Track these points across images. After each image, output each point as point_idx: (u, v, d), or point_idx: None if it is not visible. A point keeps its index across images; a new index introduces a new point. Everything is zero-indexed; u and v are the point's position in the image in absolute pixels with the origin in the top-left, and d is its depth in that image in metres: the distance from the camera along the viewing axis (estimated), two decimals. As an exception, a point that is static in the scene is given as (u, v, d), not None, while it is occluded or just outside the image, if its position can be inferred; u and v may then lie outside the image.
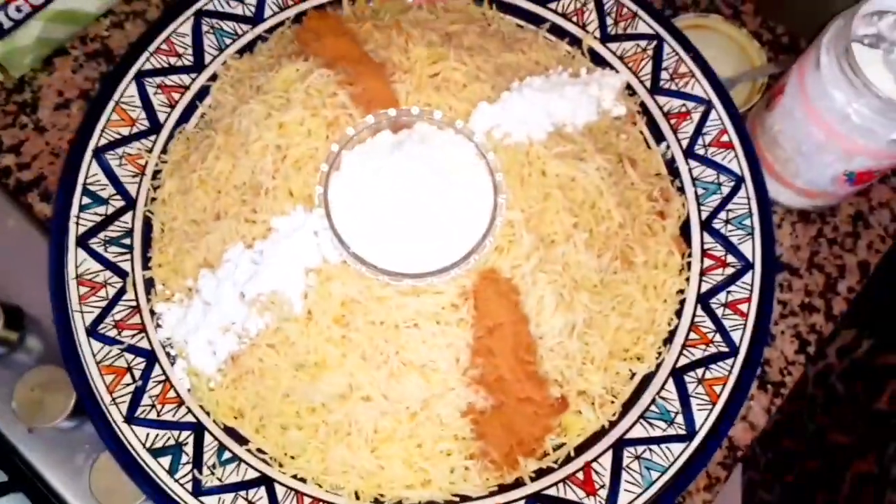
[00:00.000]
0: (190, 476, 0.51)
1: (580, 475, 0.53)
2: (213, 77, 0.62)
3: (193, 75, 0.61)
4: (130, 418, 0.52)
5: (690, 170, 0.60)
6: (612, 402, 0.55)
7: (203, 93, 0.61)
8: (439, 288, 0.50)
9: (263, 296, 0.50)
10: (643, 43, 0.63)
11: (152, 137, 0.60)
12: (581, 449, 0.54)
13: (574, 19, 0.64)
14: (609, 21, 0.64)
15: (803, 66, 0.59)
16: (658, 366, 0.56)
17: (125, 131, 0.59)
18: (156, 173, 0.59)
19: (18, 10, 0.65)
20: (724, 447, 0.63)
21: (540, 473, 0.53)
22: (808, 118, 0.58)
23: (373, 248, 0.49)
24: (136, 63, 0.60)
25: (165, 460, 0.51)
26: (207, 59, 0.62)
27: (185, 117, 0.61)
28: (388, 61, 0.55)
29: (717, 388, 0.54)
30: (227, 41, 0.62)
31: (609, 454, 0.53)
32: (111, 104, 0.59)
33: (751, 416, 0.64)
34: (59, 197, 0.56)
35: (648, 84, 0.63)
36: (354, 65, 0.54)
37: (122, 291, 0.55)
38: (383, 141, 0.51)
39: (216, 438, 0.53)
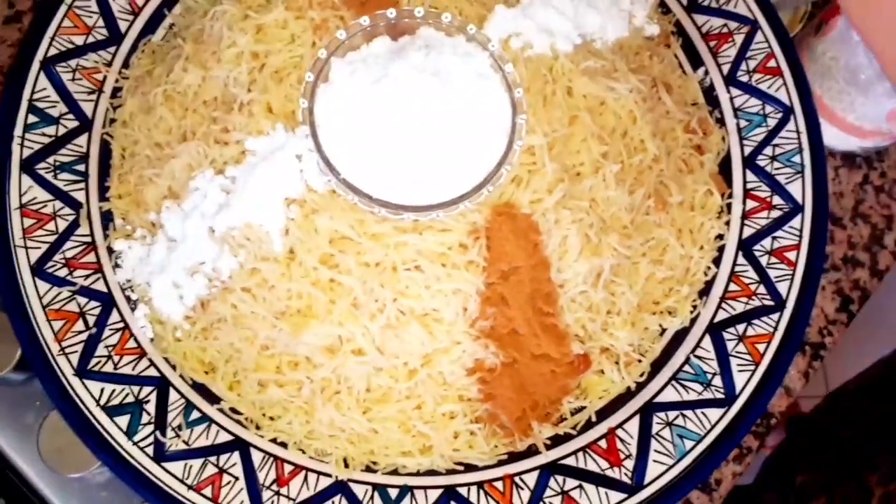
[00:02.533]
0: (151, 439, 0.44)
1: (603, 443, 0.46)
2: (185, -21, 0.53)
3: (160, -22, 0.53)
4: (82, 371, 0.45)
5: (732, 99, 0.53)
6: (640, 360, 0.48)
7: (172, -1, 0.53)
8: (446, 224, 0.42)
9: (236, 230, 0.43)
10: (680, -49, 0.55)
11: (112, 49, 0.51)
12: (604, 413, 0.47)
13: (602, -76, 0.56)
14: (642, -74, 0.55)
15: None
16: (693, 321, 0.49)
17: (79, 41, 0.51)
18: (116, 91, 0.51)
19: None
20: (756, 414, 0.57)
21: (556, 441, 0.46)
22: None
23: (367, 175, 0.42)
24: (93, -40, 0.51)
25: (123, 420, 0.44)
26: (177, -43, 0.53)
27: (150, 27, 0.53)
28: (389, -42, 0.47)
29: (761, 347, 0.47)
30: (202, -62, 0.54)
31: (636, 420, 0.46)
32: (63, 8, 0.51)
33: (787, 380, 0.57)
34: (1, 114, 0.48)
35: (685, 0, 0.54)
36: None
37: (74, 225, 0.48)
38: (380, 48, 0.43)
39: (183, 396, 0.45)
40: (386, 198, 0.41)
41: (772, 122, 0.52)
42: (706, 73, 0.54)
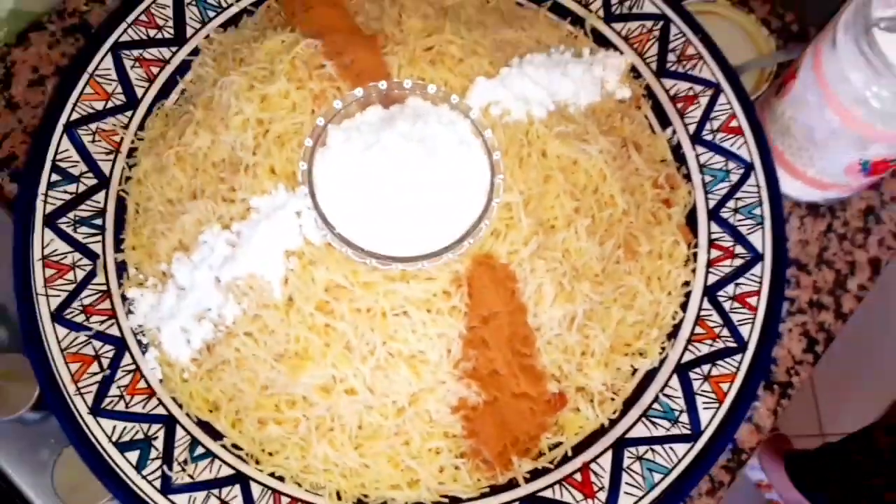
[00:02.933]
0: (159, 472, 0.47)
1: (578, 476, 0.49)
2: (196, 52, 0.58)
3: (174, 49, 0.58)
4: (96, 410, 0.48)
5: (697, 156, 0.57)
6: (613, 399, 0.52)
7: (184, 67, 0.58)
8: (431, 274, 0.46)
9: (240, 280, 0.47)
10: (649, 23, 0.60)
11: (128, 113, 0.56)
12: (579, 449, 0.50)
13: (577, -2, 0.61)
14: (613, 0, 0.60)
15: (818, 49, 0.55)
16: (661, 361, 0.52)
17: (99, 106, 0.56)
18: (132, 151, 0.56)
19: (-10, -22, 0.61)
20: (728, 450, 0.60)
21: (535, 474, 0.50)
22: (822, 103, 0.55)
23: (360, 230, 0.46)
24: (113, 34, 0.57)
25: (133, 455, 0.48)
26: (189, 32, 0.58)
27: (164, 93, 0.57)
28: (380, 33, 0.52)
29: (725, 386, 0.51)
30: (211, 14, 0.59)
31: (609, 454, 0.50)
32: (85, 76, 0.55)
33: (756, 417, 0.61)
34: (27, 173, 0.53)
35: (654, 66, 0.59)
36: (344, 36, 0.50)
37: (91, 275, 0.52)
38: (373, 116, 0.48)
39: (188, 432, 0.49)
40: (376, 250, 0.46)
41: (734, 178, 0.56)
42: (674, 132, 0.58)
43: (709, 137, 0.57)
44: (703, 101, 0.58)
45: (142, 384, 0.50)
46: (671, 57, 0.59)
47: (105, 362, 0.50)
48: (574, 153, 0.50)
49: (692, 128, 0.58)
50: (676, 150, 0.58)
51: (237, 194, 0.48)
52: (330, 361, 0.47)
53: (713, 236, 0.55)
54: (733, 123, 0.57)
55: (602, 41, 0.60)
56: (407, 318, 0.46)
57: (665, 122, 0.59)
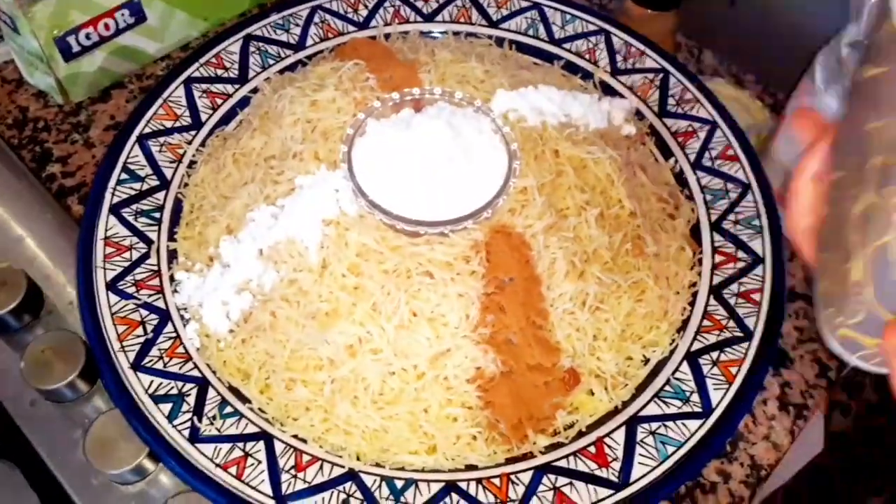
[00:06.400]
0: (189, 424, 0.50)
1: (592, 449, 0.50)
2: (256, 90, 0.67)
3: (237, 86, 0.67)
4: (137, 366, 0.52)
5: (698, 179, 0.63)
6: (626, 385, 0.53)
7: (245, 102, 0.67)
8: (453, 240, 0.51)
9: (280, 244, 0.52)
10: (650, 75, 0.68)
11: (193, 132, 0.64)
12: (593, 427, 0.52)
13: (587, 57, 0.70)
14: (619, 58, 0.69)
15: (800, 88, 0.63)
16: (672, 351, 0.55)
17: (168, 124, 0.64)
18: (192, 163, 0.63)
19: (88, 37, 0.72)
20: (746, 466, 0.60)
21: (549, 448, 0.51)
22: (808, 134, 0.62)
23: (391, 200, 0.51)
24: (187, 70, 0.66)
25: (166, 407, 0.50)
26: (251, 74, 0.68)
27: (226, 120, 0.66)
28: (416, 61, 0.60)
29: (733, 370, 0.53)
30: (271, 62, 0.69)
31: (622, 430, 0.51)
32: (159, 101, 0.64)
33: (773, 436, 0.61)
34: (100, 171, 0.60)
35: (656, 109, 0.67)
36: (385, 59, 0.59)
37: (145, 256, 0.57)
38: (407, 116, 0.55)
39: (219, 393, 0.52)
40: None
41: (733, 196, 0.61)
42: (676, 161, 0.64)
43: (708, 164, 0.63)
44: (702, 134, 0.65)
45: (180, 350, 0.53)
46: (671, 101, 0.67)
47: (149, 328, 0.54)
48: (583, 154, 0.57)
49: (692, 156, 0.64)
50: (679, 176, 0.64)
51: (284, 175, 0.54)
52: (358, 319, 0.50)
53: (716, 244, 0.59)
54: (730, 152, 0.63)
55: (610, 92, 0.69)
56: (430, 277, 0.50)
57: (668, 154, 0.65)
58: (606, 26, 0.70)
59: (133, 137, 0.62)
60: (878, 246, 0.25)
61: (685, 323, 0.56)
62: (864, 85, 0.28)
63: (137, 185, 0.60)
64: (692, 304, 0.57)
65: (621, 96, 0.68)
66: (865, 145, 0.27)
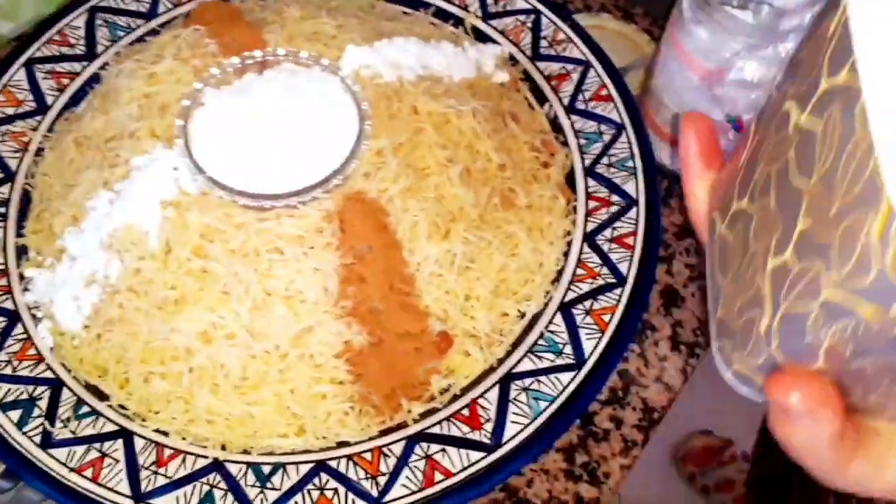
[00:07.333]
0: (40, 429, 0.47)
1: (465, 412, 0.49)
2: (105, 66, 0.63)
3: (84, 63, 0.63)
4: (-19, 374, 0.49)
5: (572, 124, 0.61)
6: (501, 342, 0.52)
7: (95, 80, 0.63)
8: (302, 212, 0.49)
9: (119, 231, 0.49)
10: (522, 17, 0.65)
11: (39, 117, 0.60)
12: (468, 389, 0.50)
13: (456, 2, 0.67)
14: (489, 1, 0.66)
15: (672, 21, 0.61)
16: (546, 304, 0.53)
17: (10, 111, 0.60)
18: (39, 150, 0.59)
19: (-74, 23, 0.67)
20: (639, 409, 0.59)
21: (424, 416, 0.49)
22: (682, 66, 0.60)
23: (233, 176, 0.49)
24: (28, 51, 0.62)
25: (15, 414, 0.48)
26: (100, 49, 0.64)
27: (74, 101, 0.62)
28: (262, 21, 0.57)
29: (606, 318, 0.52)
30: (121, 34, 0.64)
31: (496, 389, 0.50)
32: (-3, 86, 0.60)
33: (666, 377, 0.61)
34: (-66, 168, 0.56)
35: (529, 52, 0.64)
36: (227, 22, 0.55)
37: (-11, 255, 0.54)
38: (248, 80, 0.52)
39: (74, 393, 0.49)
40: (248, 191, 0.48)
41: (607, 138, 0.59)
42: (550, 107, 0.62)
43: (581, 107, 0.61)
44: (575, 76, 0.63)
45: (32, 351, 0.51)
46: (544, 43, 0.64)
47: (-5, 332, 0.51)
48: (444, 109, 0.54)
49: (566, 100, 0.62)
50: (553, 122, 0.62)
51: (120, 158, 0.51)
52: (207, 305, 0.48)
53: (590, 190, 0.58)
54: (603, 92, 0.61)
55: (482, 38, 0.66)
56: (280, 255, 0.48)
57: (542, 99, 0.63)
58: (475, -32, 0.67)
59: (-31, 129, 0.58)
60: (795, 314, 0.23)
61: (559, 274, 0.54)
62: (789, 125, 0.24)
63: (-23, 181, 0.57)
64: (566, 253, 0.55)
65: (494, 41, 0.65)
66: (785, 195, 0.24)
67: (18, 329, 0.51)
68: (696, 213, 0.32)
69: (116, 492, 0.45)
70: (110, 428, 0.48)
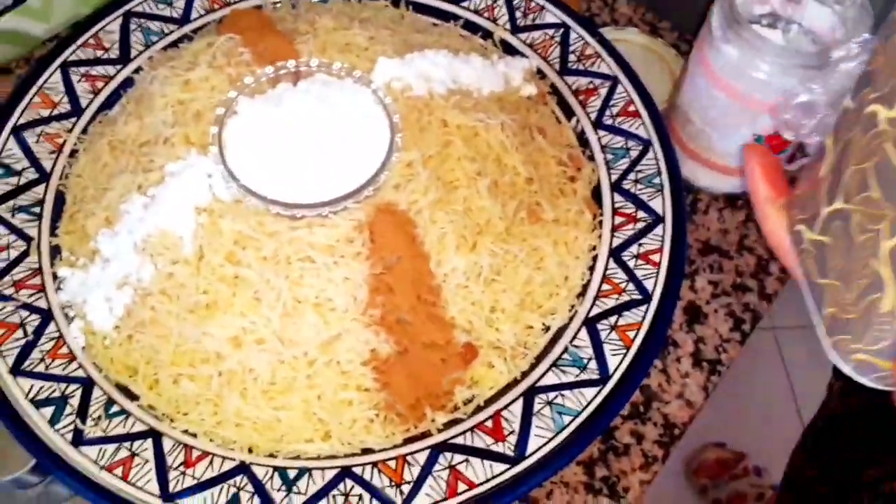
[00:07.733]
0: (72, 427, 0.48)
1: (489, 423, 0.50)
2: (139, 70, 0.64)
3: (119, 67, 0.64)
4: (16, 370, 0.50)
5: (599, 139, 0.61)
6: (525, 355, 0.53)
7: (129, 84, 0.64)
8: (334, 222, 0.49)
9: (153, 236, 0.50)
10: (551, 31, 0.66)
11: (73, 119, 0.61)
12: (491, 400, 0.51)
13: (486, 15, 0.67)
14: (518, 14, 0.67)
15: (701, 40, 0.61)
16: (571, 318, 0.54)
17: (46, 113, 0.61)
18: (74, 152, 0.60)
19: (-36, 23, 0.69)
20: (660, 425, 0.60)
21: (448, 426, 0.50)
22: (709, 84, 0.60)
23: (266, 184, 0.49)
24: (63, 54, 0.63)
25: (47, 411, 0.49)
26: (134, 53, 0.65)
27: (108, 104, 0.63)
28: (294, 31, 0.58)
29: (631, 334, 0.52)
30: (154, 39, 0.65)
31: (520, 402, 0.50)
32: (34, 88, 0.61)
33: (687, 393, 0.61)
34: (-28, 167, 0.57)
35: (557, 67, 0.65)
36: (260, 31, 0.56)
37: (24, 254, 0.55)
38: (282, 90, 0.53)
39: (105, 392, 0.50)
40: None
41: (634, 154, 0.60)
42: (577, 121, 0.63)
43: (609, 122, 0.62)
44: (603, 91, 0.63)
45: (63, 350, 0.51)
46: (572, 57, 0.65)
47: (29, 329, 0.52)
48: (473, 122, 0.55)
49: (593, 115, 0.62)
50: (580, 136, 0.62)
51: (154, 163, 0.52)
52: (238, 310, 0.48)
53: (616, 205, 0.58)
54: (631, 108, 0.62)
55: (510, 51, 0.66)
56: (312, 263, 0.49)
57: (569, 113, 0.63)
58: (505, -19, 0.67)
59: (7, 130, 0.59)
60: None
61: (584, 288, 0.55)
62: (878, 123, 0.27)
63: (14, 180, 0.58)
64: (591, 269, 0.56)
65: (522, 55, 0.66)
66: (890, 183, 0.27)
67: (51, 328, 0.52)
68: (774, 233, 0.35)
69: (146, 491, 0.46)
70: (140, 428, 0.49)
